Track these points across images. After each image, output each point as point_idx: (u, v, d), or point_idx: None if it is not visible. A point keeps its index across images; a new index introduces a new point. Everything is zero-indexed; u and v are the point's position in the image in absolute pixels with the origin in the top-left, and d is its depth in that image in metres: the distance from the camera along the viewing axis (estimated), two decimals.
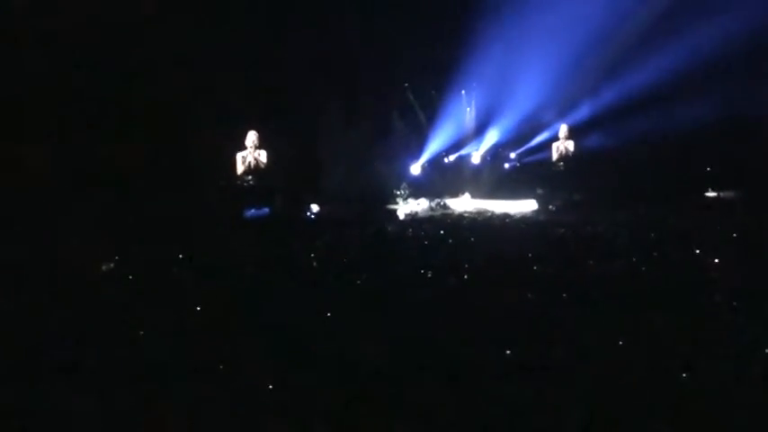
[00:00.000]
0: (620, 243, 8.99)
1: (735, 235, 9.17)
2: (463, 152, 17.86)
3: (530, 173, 16.39)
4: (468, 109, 18.10)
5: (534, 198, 14.57)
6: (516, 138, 17.32)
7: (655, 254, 8.03)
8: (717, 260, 7.45)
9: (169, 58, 12.60)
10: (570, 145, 13.92)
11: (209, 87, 13.38)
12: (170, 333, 5.28)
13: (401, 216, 13.52)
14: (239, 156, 11.63)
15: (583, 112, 15.96)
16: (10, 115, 10.55)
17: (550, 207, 13.81)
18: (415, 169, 17.08)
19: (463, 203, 15.58)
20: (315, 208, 13.14)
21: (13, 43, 10.80)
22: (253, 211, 11.53)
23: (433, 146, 17.43)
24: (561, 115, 15.88)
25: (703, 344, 4.80)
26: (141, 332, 5.30)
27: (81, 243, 8.53)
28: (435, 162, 17.55)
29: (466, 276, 7.12)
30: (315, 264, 8.04)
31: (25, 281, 6.76)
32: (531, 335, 5.08)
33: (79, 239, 8.74)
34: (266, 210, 11.67)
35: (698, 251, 7.98)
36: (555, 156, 14.08)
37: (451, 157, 17.90)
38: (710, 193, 14.37)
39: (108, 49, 11.88)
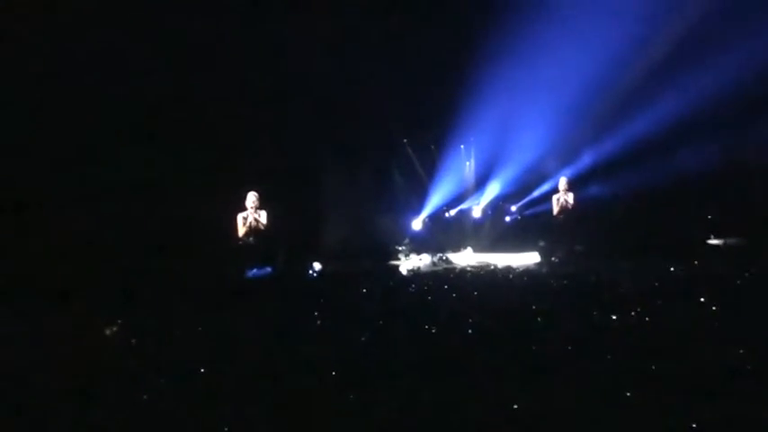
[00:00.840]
0: (624, 293, 8.95)
1: (739, 282, 9.13)
2: (464, 206, 17.95)
3: (531, 225, 16.42)
4: (468, 163, 18.25)
5: (536, 250, 14.57)
6: (516, 190, 17.43)
7: (659, 303, 7.99)
8: (720, 308, 7.41)
9: (168, 117, 12.79)
10: (570, 197, 13.95)
11: (209, 147, 13.54)
12: (172, 398, 5.22)
13: (404, 272, 13.48)
14: (240, 216, 11.68)
15: (583, 162, 16.07)
16: None
17: (553, 259, 13.79)
18: (417, 224, 17.12)
19: (465, 257, 15.57)
20: (317, 266, 13.13)
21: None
22: (255, 270, 11.52)
23: (434, 201, 17.52)
24: (561, 166, 15.96)
25: (711, 396, 4.73)
26: (144, 396, 5.24)
27: (86, 308, 8.54)
28: (436, 217, 17.61)
29: (470, 331, 7.07)
30: (319, 321, 7.99)
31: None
32: (536, 388, 5.03)
33: (84, 304, 8.76)
34: (269, 269, 11.66)
35: (702, 299, 7.93)
36: (556, 208, 14.09)
37: (452, 212, 17.97)
38: (713, 241, 14.35)
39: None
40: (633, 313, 7.45)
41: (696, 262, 11.41)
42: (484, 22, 14.56)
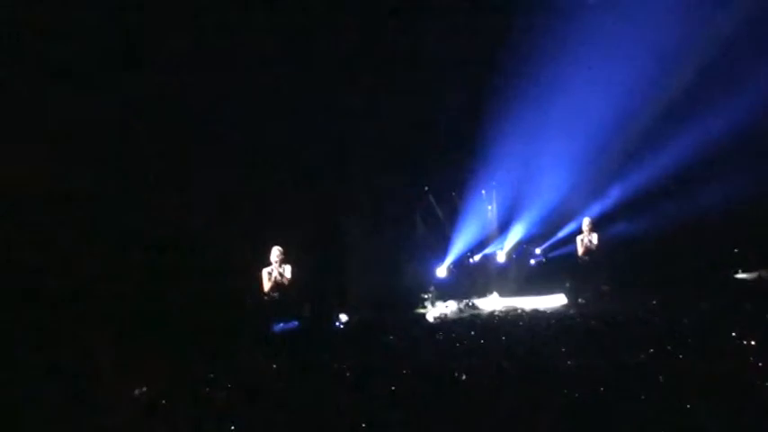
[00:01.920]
0: (653, 331, 8.87)
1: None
2: (488, 251, 17.91)
3: (556, 267, 16.30)
4: (490, 207, 18.28)
5: (563, 292, 14.47)
6: (540, 233, 17.41)
7: (689, 340, 7.92)
8: (754, 343, 7.32)
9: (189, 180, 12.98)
10: (594, 237, 13.89)
11: (230, 204, 13.69)
12: None
13: (430, 319, 13.44)
14: (265, 272, 11.71)
15: (606, 201, 16.03)
16: None
17: (579, 300, 13.68)
18: (441, 272, 17.09)
19: (492, 303, 15.49)
20: (343, 317, 13.15)
21: None
22: (281, 325, 11.54)
23: (458, 247, 17.51)
24: (584, 206, 15.93)
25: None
26: None
27: (111, 369, 8.59)
28: (460, 263, 17.58)
29: (501, 377, 7.04)
30: (348, 374, 7.98)
31: None
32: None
33: (110, 365, 8.80)
34: (295, 323, 11.68)
35: (733, 334, 7.84)
36: (580, 249, 14.00)
37: (476, 257, 17.94)
38: (741, 275, 14.20)
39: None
40: (663, 352, 7.39)
41: (724, 297, 11.27)
42: (500, 65, 14.71)
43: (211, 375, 8.18)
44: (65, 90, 10.71)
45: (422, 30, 14.50)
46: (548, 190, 16.65)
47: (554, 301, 14.18)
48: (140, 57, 11.78)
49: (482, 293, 16.43)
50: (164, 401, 7.13)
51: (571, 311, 12.50)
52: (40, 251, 10.80)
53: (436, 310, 14.92)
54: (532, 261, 17.57)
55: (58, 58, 10.71)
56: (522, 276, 17.31)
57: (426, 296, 16.01)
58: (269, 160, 14.17)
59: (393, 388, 6.88)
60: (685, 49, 14.09)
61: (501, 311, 13.66)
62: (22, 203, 10.48)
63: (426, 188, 17.96)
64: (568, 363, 7.41)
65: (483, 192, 18.12)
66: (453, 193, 18.14)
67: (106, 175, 11.67)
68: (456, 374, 7.27)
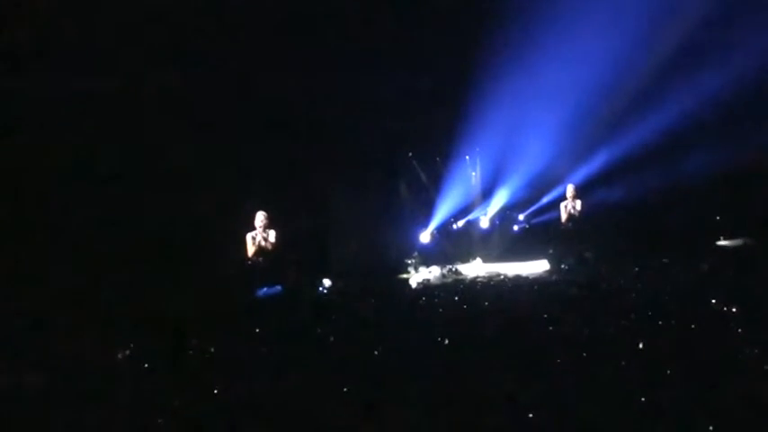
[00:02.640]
0: (635, 298, 8.95)
1: (747, 282, 9.10)
2: (471, 217, 17.91)
3: (539, 234, 16.35)
4: (474, 173, 18.24)
5: (546, 258, 14.53)
6: (524, 199, 17.39)
7: (670, 307, 7.98)
8: (735, 310, 7.39)
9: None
10: (578, 204, 13.91)
11: (218, 169, 13.63)
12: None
13: (413, 285, 13.48)
14: (249, 236, 11.68)
15: (589, 168, 16.01)
16: None
17: (562, 266, 13.72)
18: (425, 237, 17.10)
19: (475, 268, 15.55)
20: (327, 283, 13.15)
21: None
22: (265, 289, 11.53)
23: (441, 213, 17.49)
24: (568, 173, 15.93)
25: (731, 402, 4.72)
26: (160, 420, 5.25)
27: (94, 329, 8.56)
28: (444, 229, 17.58)
29: (483, 343, 7.08)
30: (332, 338, 8.00)
31: None
32: (550, 396, 5.04)
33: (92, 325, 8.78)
34: (278, 288, 11.66)
35: (714, 301, 7.91)
36: (564, 216, 14.03)
37: (460, 223, 17.94)
38: (724, 242, 14.31)
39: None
40: (644, 319, 7.46)
41: (706, 264, 11.37)
42: (485, 29, 14.57)
43: (194, 341, 8.17)
44: None
45: None
46: (532, 156, 16.61)
47: (537, 268, 14.24)
48: None
49: (465, 259, 16.48)
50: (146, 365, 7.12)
51: (553, 278, 12.58)
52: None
53: (419, 276, 14.96)
54: (516, 227, 17.58)
55: None
56: (506, 242, 17.35)
57: (410, 262, 16.03)
58: (253, 124, 14.11)
59: (376, 353, 6.91)
60: (672, 15, 14.02)
61: (484, 277, 13.72)
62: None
63: (410, 153, 17.88)
64: (550, 329, 7.47)
65: (467, 157, 18.07)
66: (437, 159, 18.07)
67: None
68: (439, 339, 7.32)
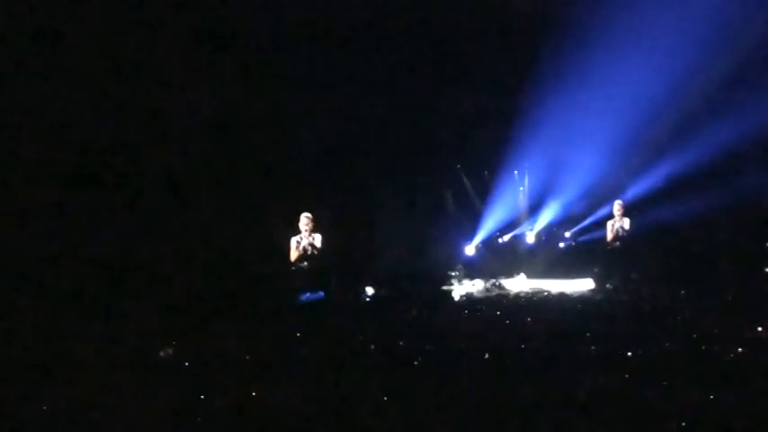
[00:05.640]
0: (680, 321, 8.82)
1: None
2: (517, 232, 17.87)
3: (585, 252, 16.18)
4: (521, 188, 18.19)
5: (591, 277, 14.38)
6: (571, 216, 17.29)
7: (715, 331, 7.87)
8: None
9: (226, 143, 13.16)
10: (626, 223, 13.69)
11: (264, 169, 13.82)
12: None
13: (457, 297, 13.46)
14: (293, 240, 11.66)
15: (639, 187, 15.81)
16: None
17: (608, 286, 13.57)
18: (470, 250, 17.10)
19: (519, 284, 15.46)
20: (370, 291, 13.19)
21: None
22: (308, 295, 11.54)
23: (487, 226, 17.49)
24: (617, 191, 15.74)
25: None
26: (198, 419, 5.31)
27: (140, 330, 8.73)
28: (489, 243, 17.57)
29: (524, 357, 7.05)
30: (372, 346, 8.01)
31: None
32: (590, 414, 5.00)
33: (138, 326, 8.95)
34: (321, 294, 11.66)
35: (759, 329, 7.77)
36: (610, 234, 13.82)
37: (505, 238, 17.90)
38: None
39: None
40: (690, 342, 7.34)
41: (757, 286, 11.15)
42: (537, 47, 14.55)
43: (236, 341, 8.26)
44: None
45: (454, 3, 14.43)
46: (581, 173, 16.49)
47: (581, 286, 14.12)
48: None
49: (509, 274, 16.39)
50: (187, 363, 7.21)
51: (598, 297, 12.44)
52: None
53: (463, 288, 14.93)
54: (561, 244, 17.47)
55: None
56: (551, 259, 17.23)
57: (454, 274, 16.01)
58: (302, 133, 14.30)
59: (416, 363, 6.92)
60: (729, 33, 13.80)
61: (527, 293, 13.64)
62: None
63: (459, 165, 17.90)
64: (592, 348, 7.39)
65: (515, 172, 18.02)
66: (485, 172, 18.05)
67: None
68: (479, 353, 7.29)
